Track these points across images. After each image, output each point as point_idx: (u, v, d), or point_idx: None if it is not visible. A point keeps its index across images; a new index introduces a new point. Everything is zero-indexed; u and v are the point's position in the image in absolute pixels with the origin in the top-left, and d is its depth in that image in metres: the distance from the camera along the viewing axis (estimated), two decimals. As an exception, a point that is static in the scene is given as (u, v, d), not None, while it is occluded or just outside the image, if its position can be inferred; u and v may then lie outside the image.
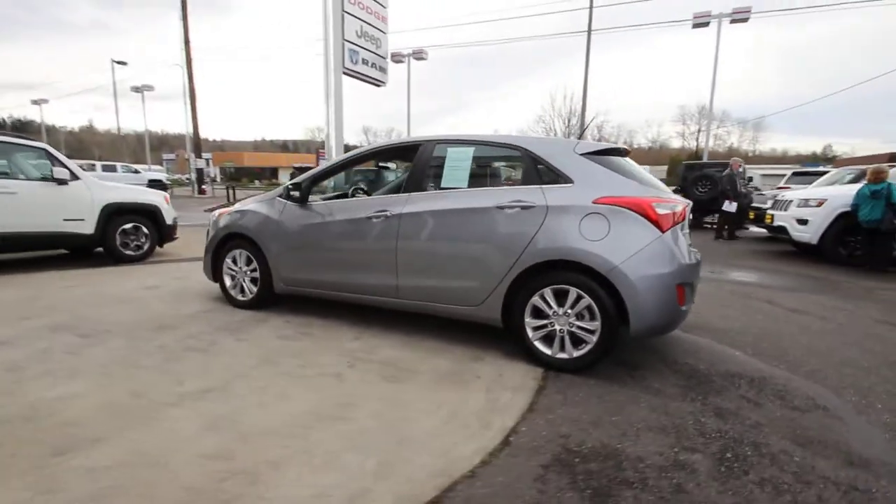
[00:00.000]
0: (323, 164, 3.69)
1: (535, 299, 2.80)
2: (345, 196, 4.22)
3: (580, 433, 2.10)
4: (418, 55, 22.66)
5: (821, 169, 16.57)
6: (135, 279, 5.07)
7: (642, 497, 1.69)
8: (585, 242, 2.65)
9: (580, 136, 23.49)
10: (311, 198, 3.68)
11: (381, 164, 6.39)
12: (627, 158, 3.08)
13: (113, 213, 6.13)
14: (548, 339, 2.83)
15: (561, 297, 2.75)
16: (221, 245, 3.99)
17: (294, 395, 2.37)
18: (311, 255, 3.54)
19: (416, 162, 3.27)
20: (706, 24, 18.17)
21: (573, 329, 2.74)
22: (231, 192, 19.39)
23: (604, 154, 2.92)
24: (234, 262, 3.95)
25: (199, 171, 28.07)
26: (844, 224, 7.08)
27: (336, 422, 2.11)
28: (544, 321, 2.81)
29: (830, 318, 4.21)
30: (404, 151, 3.61)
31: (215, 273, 4.07)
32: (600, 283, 2.64)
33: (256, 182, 47.43)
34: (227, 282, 4.01)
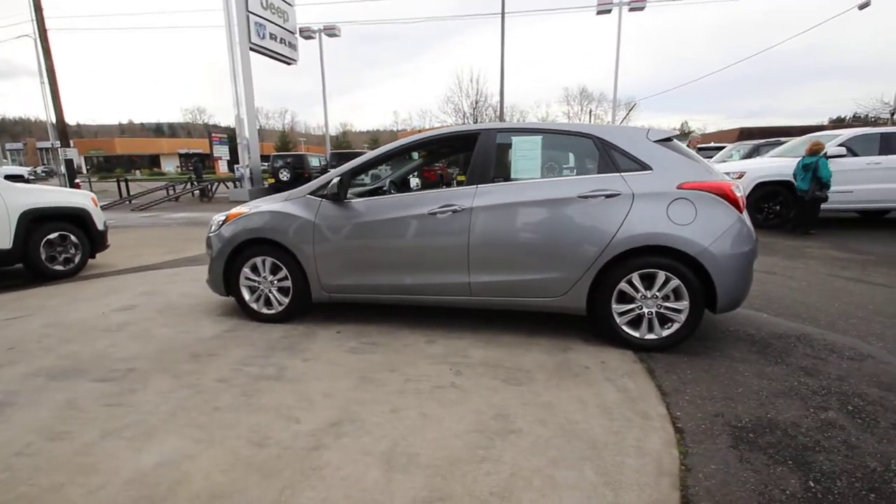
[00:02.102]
0: (363, 157, 3.34)
1: (623, 285, 2.86)
2: (378, 192, 3.88)
3: (728, 410, 2.22)
4: (330, 31, 21.27)
5: (712, 145, 19.01)
6: (91, 301, 4.22)
7: (832, 458, 1.85)
8: (675, 227, 2.75)
9: (500, 118, 24.10)
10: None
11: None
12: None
13: (33, 222, 5.00)
14: (633, 323, 2.92)
15: (648, 280, 2.84)
16: (235, 253, 3.46)
17: (435, 414, 2.17)
18: (362, 258, 3.23)
19: (479, 152, 3.11)
20: (609, 11, 19.55)
21: (661, 310, 2.86)
22: (124, 185, 16.81)
23: (669, 140, 3.03)
24: (256, 271, 3.45)
25: (70, 163, 23.79)
26: (761, 192, 8.23)
27: (509, 436, 1.99)
28: (631, 305, 2.89)
29: (795, 276, 4.89)
30: (461, 141, 3.41)
31: (228, 286, 3.54)
32: (688, 265, 2.78)
33: (137, 172, 41.63)
34: (246, 295, 3.50)
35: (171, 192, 17.07)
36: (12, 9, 26.46)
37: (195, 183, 18.36)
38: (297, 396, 2.34)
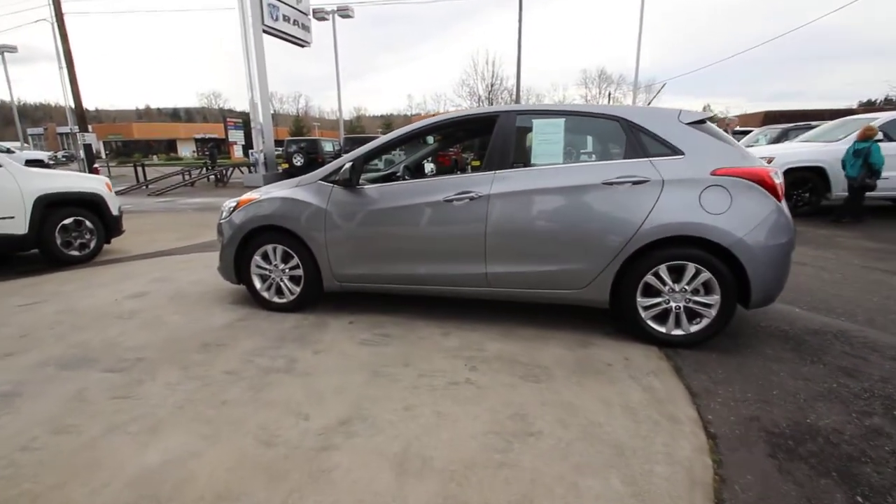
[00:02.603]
0: (376, 142, 3.20)
1: (649, 277, 2.71)
2: (391, 178, 3.75)
3: (764, 414, 2.08)
4: (343, 12, 20.92)
5: (737, 129, 18.31)
6: (106, 287, 4.21)
7: (881, 470, 1.70)
8: (708, 216, 2.57)
9: (516, 101, 23.63)
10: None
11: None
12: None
13: (49, 207, 5.00)
14: (659, 317, 2.77)
15: (676, 272, 2.68)
16: (246, 241, 3.38)
17: (449, 412, 2.07)
18: (374, 247, 3.12)
19: (497, 135, 2.95)
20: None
21: (689, 305, 2.70)
22: (141, 170, 16.95)
23: (702, 122, 2.82)
24: (267, 259, 3.37)
25: (88, 148, 24.09)
26: (790, 179, 7.87)
27: (528, 438, 1.88)
28: (657, 299, 2.74)
29: (827, 267, 4.65)
30: (478, 124, 3.26)
31: (240, 274, 3.47)
32: (720, 257, 2.60)
33: (154, 157, 42.13)
34: (258, 283, 3.43)
35: (186, 177, 17.15)
36: (30, -7, 26.58)
37: (210, 168, 18.43)
38: (307, 391, 2.26)
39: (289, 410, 2.09)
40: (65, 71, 25.01)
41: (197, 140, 50.78)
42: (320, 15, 20.73)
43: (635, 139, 2.76)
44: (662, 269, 2.68)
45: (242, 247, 3.40)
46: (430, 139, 4.30)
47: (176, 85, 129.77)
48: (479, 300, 3.34)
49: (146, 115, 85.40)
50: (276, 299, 3.43)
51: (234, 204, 3.48)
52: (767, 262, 2.58)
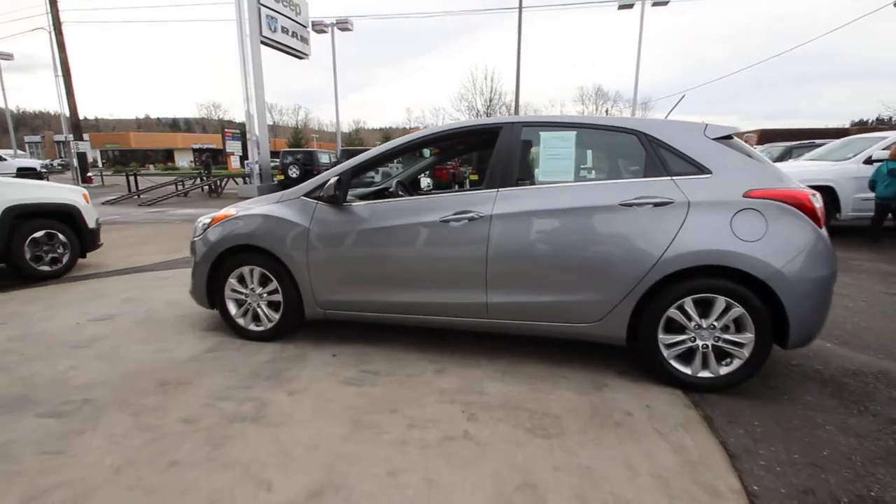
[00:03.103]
0: (366, 154, 2.89)
1: (672, 311, 2.38)
2: (382, 194, 3.44)
3: (819, 484, 1.73)
4: (343, 25, 20.86)
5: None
6: (70, 307, 3.85)
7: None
8: (741, 243, 2.26)
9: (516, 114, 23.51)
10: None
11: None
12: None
13: (19, 218, 4.66)
14: (684, 357, 2.44)
15: (704, 306, 2.36)
16: (220, 261, 3.04)
17: (443, 479, 1.72)
18: (362, 271, 2.79)
19: (500, 150, 2.64)
20: (631, 6, 18.82)
21: (719, 343, 2.37)
22: (133, 180, 16.63)
23: (730, 137, 2.53)
24: (242, 282, 3.04)
25: (82, 156, 23.85)
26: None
27: (539, 520, 1.53)
28: (682, 336, 2.41)
29: (849, 294, 4.33)
30: (479, 136, 2.96)
31: (212, 297, 3.12)
32: (755, 290, 2.29)
33: (151, 167, 41.90)
34: (232, 308, 3.09)
35: (180, 187, 16.85)
36: (29, 1, 26.53)
37: (205, 178, 18.15)
38: (275, 448, 1.91)
39: (249, 475, 1.73)
40: (61, 79, 25.00)
41: (194, 150, 50.64)
42: (319, 27, 20.66)
43: (656, 155, 2.46)
44: (688, 303, 2.36)
45: (216, 268, 3.06)
46: (427, 152, 3.97)
47: (176, 96, 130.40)
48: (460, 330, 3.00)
49: (145, 124, 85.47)
50: (252, 327, 3.08)
51: (208, 220, 3.15)
52: (808, 297, 2.26)
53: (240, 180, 18.12)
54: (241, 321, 3.09)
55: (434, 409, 2.22)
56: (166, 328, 3.35)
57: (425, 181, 11.88)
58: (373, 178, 12.88)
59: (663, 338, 2.43)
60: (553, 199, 2.50)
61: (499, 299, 2.59)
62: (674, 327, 2.42)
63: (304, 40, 18.40)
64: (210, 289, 3.10)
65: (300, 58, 18.28)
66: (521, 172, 2.64)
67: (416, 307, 2.75)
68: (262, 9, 16.36)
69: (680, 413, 2.22)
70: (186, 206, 13.37)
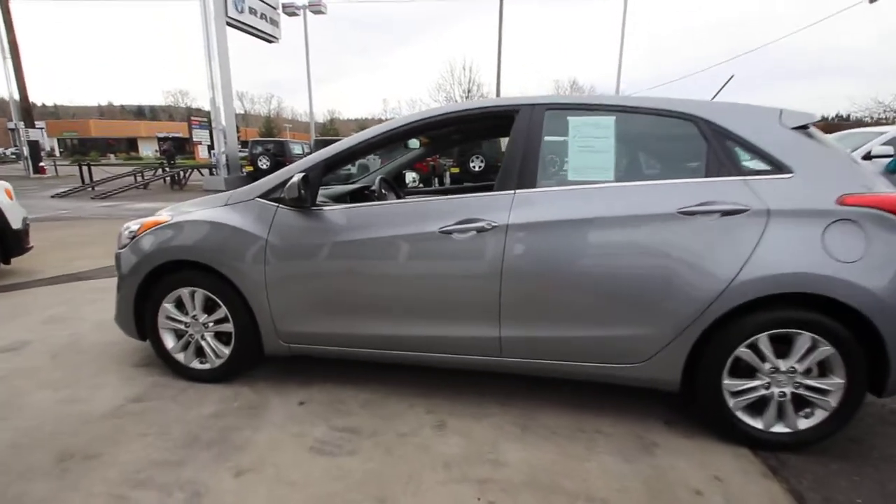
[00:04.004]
0: (342, 143, 2.24)
1: (742, 350, 1.84)
2: (362, 194, 2.79)
3: None
4: (315, 8, 19.76)
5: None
6: (-28, 332, 3.09)
7: None
8: (836, 265, 1.72)
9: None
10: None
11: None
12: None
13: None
14: (754, 407, 1.91)
15: (781, 343, 1.83)
16: (152, 280, 2.36)
17: None
18: (339, 296, 2.16)
19: (518, 138, 2.04)
20: (613, -7, 18.42)
21: (799, 391, 1.85)
22: (86, 170, 15.35)
23: (808, 126, 1.98)
24: (182, 308, 2.36)
25: (34, 144, 22.12)
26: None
27: None
28: (752, 382, 1.87)
29: None
30: (487, 121, 2.34)
31: (141, 326, 2.44)
32: (850, 324, 1.77)
33: (112, 156, 39.68)
34: (169, 341, 2.41)
35: (139, 178, 15.67)
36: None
37: (166, 169, 16.98)
38: (207, 582, 1.28)
39: None
40: (10, 61, 23.11)
41: (159, 139, 48.27)
42: (290, 10, 19.55)
43: (721, 149, 1.90)
44: (763, 340, 1.82)
45: (146, 289, 2.37)
46: (416, 142, 3.31)
47: (142, 82, 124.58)
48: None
49: (108, 112, 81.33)
50: (196, 364, 2.41)
51: (136, 227, 2.45)
52: (919, 333, 1.75)
53: (206, 171, 17.01)
54: (180, 357, 2.41)
55: (438, 496, 1.62)
56: (87, 363, 2.64)
57: (410, 175, 10.83)
58: (349, 171, 12.10)
59: (729, 383, 1.89)
60: (588, 204, 1.92)
61: (515, 333, 2.01)
62: (742, 370, 1.88)
63: (274, 23, 17.31)
64: (139, 315, 2.41)
65: (269, 41, 17.20)
66: (546, 169, 2.04)
67: (406, 342, 2.14)
68: (228, -14, 15.23)
69: (759, 486, 1.69)
70: (145, 200, 12.31)
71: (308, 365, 2.55)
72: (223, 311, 2.29)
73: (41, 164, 22.20)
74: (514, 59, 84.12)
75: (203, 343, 2.37)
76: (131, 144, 49.04)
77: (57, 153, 42.84)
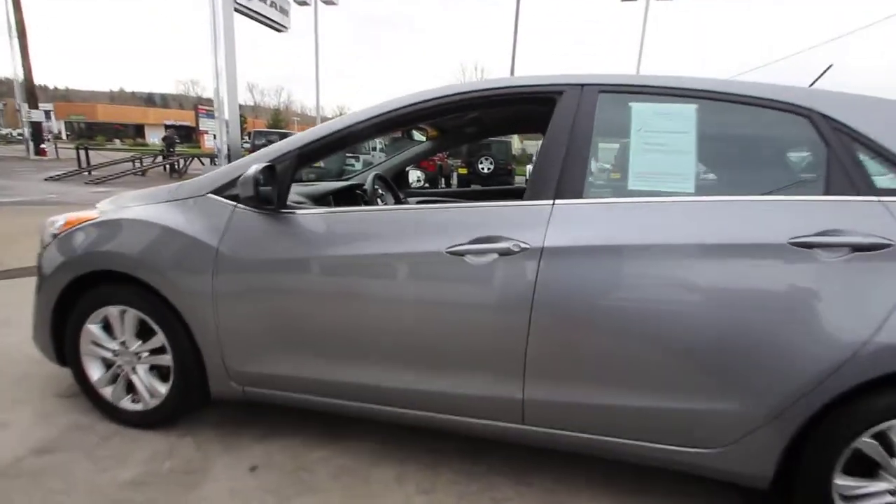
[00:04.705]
0: (325, 126, 1.69)
1: (865, 441, 1.30)
2: (350, 194, 2.26)
3: None
4: (327, -1, 19.29)
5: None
6: None
7: None
8: None
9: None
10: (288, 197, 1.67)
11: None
12: None
13: None
14: (874, 517, 1.37)
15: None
16: (73, 293, 1.83)
17: None
18: (311, 328, 1.63)
19: (557, 130, 1.49)
20: (635, -1, 17.80)
21: (944, 501, 1.30)
22: (84, 154, 14.92)
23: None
24: (109, 331, 1.83)
25: (36, 126, 21.73)
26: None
27: None
28: (878, 484, 1.33)
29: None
30: (517, 105, 1.79)
31: (60, 349, 1.91)
32: None
33: (117, 142, 39.39)
34: (94, 371, 1.88)
35: (137, 164, 15.22)
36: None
37: (167, 156, 16.53)
38: None
39: None
40: (17, 42, 22.84)
41: (166, 126, 48.05)
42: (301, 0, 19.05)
43: (847, 156, 1.35)
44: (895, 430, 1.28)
45: (67, 302, 1.84)
46: (419, 134, 2.74)
47: (155, 70, 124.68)
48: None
49: (119, 97, 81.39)
50: (126, 404, 1.88)
51: (61, 221, 1.92)
52: None
53: (207, 160, 16.55)
54: (107, 392, 1.88)
55: None
56: (1, 389, 2.11)
57: (415, 174, 9.85)
58: (352, 165, 11.47)
59: (843, 483, 1.34)
60: (656, 225, 1.38)
61: (545, 396, 1.47)
62: (860, 466, 1.34)
63: (284, 11, 16.80)
64: (59, 335, 1.89)
65: (279, 30, 16.69)
66: (597, 173, 1.51)
67: (397, 396, 1.60)
68: (238, -28, 14.78)
69: None
70: (140, 187, 11.77)
71: (272, 408, 2.01)
72: (160, 338, 1.76)
73: (42, 145, 21.80)
74: (532, 61, 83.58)
75: (134, 377, 1.84)
76: (138, 131, 48.78)
77: (64, 136, 42.63)
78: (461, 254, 1.44)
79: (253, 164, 1.52)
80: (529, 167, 15.66)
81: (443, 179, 15.27)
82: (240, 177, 1.54)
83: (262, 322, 1.64)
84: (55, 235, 1.89)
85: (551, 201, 1.44)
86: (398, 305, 1.53)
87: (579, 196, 1.44)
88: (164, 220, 1.69)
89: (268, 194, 1.55)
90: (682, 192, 1.41)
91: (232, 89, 14.86)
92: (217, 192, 1.69)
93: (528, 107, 1.67)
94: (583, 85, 1.51)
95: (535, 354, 1.43)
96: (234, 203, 1.65)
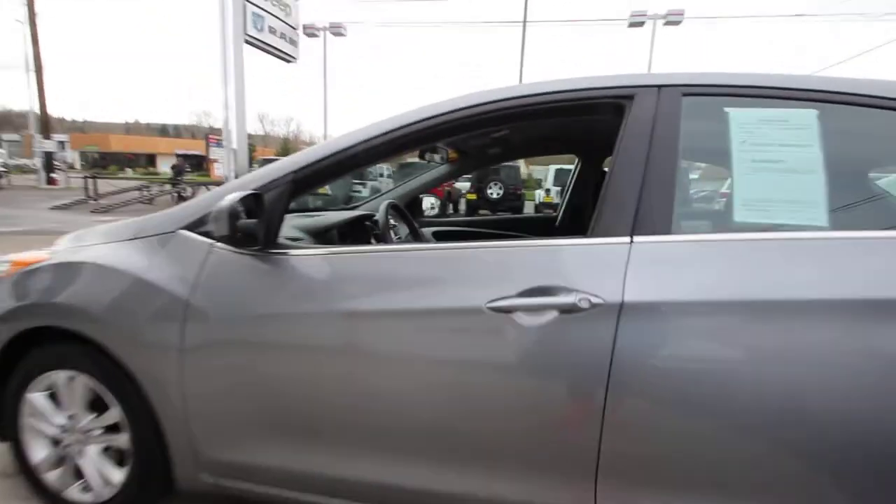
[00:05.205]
0: (328, 144, 1.34)
1: None
2: (360, 229, 1.90)
3: None
4: (336, 30, 19.56)
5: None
6: None
7: None
8: None
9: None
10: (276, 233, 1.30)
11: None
12: None
13: None
14: None
15: None
16: (16, 352, 1.47)
17: None
18: (305, 408, 1.24)
19: (629, 144, 1.13)
20: (641, 24, 17.85)
21: None
22: (91, 183, 14.89)
23: None
24: (56, 400, 1.46)
25: (48, 155, 22.00)
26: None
27: None
28: None
29: None
30: (574, 113, 1.43)
31: (3, 420, 1.53)
32: None
33: (129, 171, 39.96)
34: (37, 452, 1.49)
35: (145, 193, 15.16)
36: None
37: (172, 185, 16.51)
38: None
39: None
40: (34, 74, 23.49)
41: (177, 155, 48.87)
42: (311, 31, 19.34)
43: None
44: None
45: (5, 365, 1.48)
46: (439, 155, 2.39)
47: (170, 102, 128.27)
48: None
49: (134, 129, 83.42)
50: (72, 493, 1.48)
51: (6, 264, 1.57)
52: None
53: (214, 188, 16.49)
54: (52, 478, 1.49)
55: None
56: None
57: (428, 201, 8.81)
58: (359, 192, 11.14)
59: None
60: (780, 271, 0.99)
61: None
62: None
63: (293, 42, 17.01)
64: (-2, 405, 1.52)
65: (288, 61, 16.86)
66: (686, 201, 1.14)
67: (420, 500, 1.20)
68: (248, 5, 15.00)
69: None
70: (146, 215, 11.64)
71: None
72: (116, 412, 1.38)
73: (52, 174, 22.01)
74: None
75: (84, 461, 1.45)
76: (150, 160, 49.63)
77: (78, 165, 43.44)
78: (508, 310, 1.06)
79: (232, 192, 1.17)
80: (539, 192, 15.36)
81: (451, 205, 15.01)
82: (212, 213, 1.18)
83: (243, 397, 1.26)
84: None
85: (628, 238, 1.06)
86: (424, 380, 1.15)
87: (666, 231, 1.06)
88: (123, 264, 1.33)
89: (251, 230, 1.19)
90: (811, 224, 1.03)
91: (241, 119, 14.92)
92: (190, 227, 1.33)
93: (593, 112, 1.31)
94: (660, 86, 1.16)
95: (613, 450, 1.03)
96: (211, 242, 1.29)
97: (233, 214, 1.11)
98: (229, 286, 1.27)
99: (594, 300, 1.02)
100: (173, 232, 1.35)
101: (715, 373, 0.98)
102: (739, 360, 0.99)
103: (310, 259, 1.27)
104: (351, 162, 1.32)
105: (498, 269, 1.12)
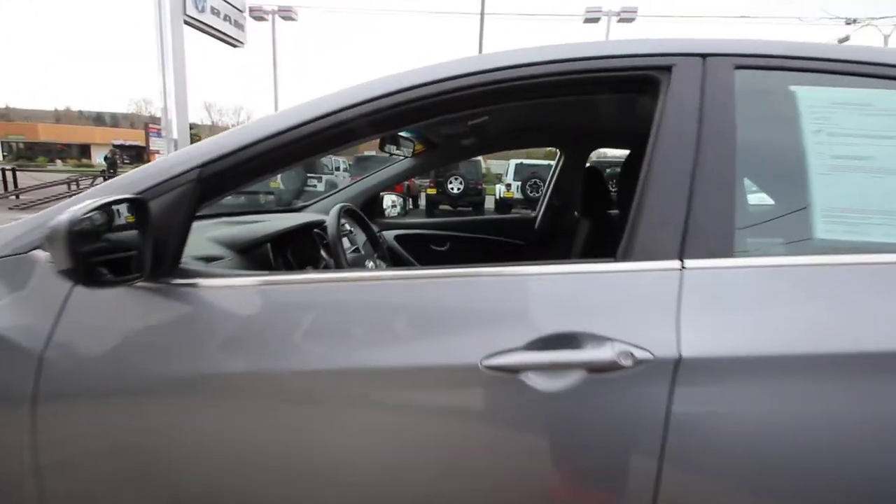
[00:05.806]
0: (255, 126, 0.95)
1: None
2: (309, 239, 1.50)
3: None
4: (286, 14, 18.49)
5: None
6: None
7: None
8: None
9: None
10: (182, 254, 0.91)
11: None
12: None
13: None
14: None
15: None
16: None
17: None
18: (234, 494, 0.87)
19: (666, 134, 0.82)
20: (596, 21, 18.02)
21: None
22: (10, 176, 13.39)
23: None
24: None
25: (-43, 146, 19.65)
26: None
27: None
28: None
29: None
30: (587, 88, 1.07)
31: None
32: None
33: (59, 162, 36.80)
34: None
35: (73, 186, 13.82)
36: None
37: (106, 177, 15.17)
38: None
39: None
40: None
41: (114, 146, 45.51)
42: (258, 14, 18.24)
43: None
44: None
45: None
46: (405, 148, 1.99)
47: (107, 89, 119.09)
48: None
49: (65, 117, 76.97)
50: None
51: None
52: None
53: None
54: None
55: None
56: None
57: (389, 199, 7.92)
58: (314, 186, 10.42)
59: None
60: (890, 309, 0.73)
61: None
62: None
63: (240, 26, 15.95)
64: None
65: (234, 45, 15.84)
66: (747, 208, 0.85)
67: None
68: (187, -17, 13.86)
69: None
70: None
71: None
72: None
73: (-34, 167, 19.78)
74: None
75: None
76: (84, 151, 45.93)
77: (0, 156, 39.62)
78: (513, 370, 0.74)
79: (83, 202, 0.77)
80: (499, 186, 15.11)
81: (410, 200, 14.60)
82: (72, 225, 0.78)
83: (127, 492, 0.87)
84: None
85: (678, 262, 0.76)
86: (396, 471, 0.80)
87: (728, 253, 0.77)
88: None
89: (121, 254, 0.80)
90: (920, 244, 0.77)
91: (182, 107, 13.87)
92: (35, 251, 0.92)
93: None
94: (705, 55, 0.86)
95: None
96: (66, 276, 0.89)
97: (75, 237, 0.72)
98: (106, 332, 0.87)
99: (639, 354, 0.71)
100: (25, 253, 0.93)
101: (823, 455, 0.70)
102: (853, 431, 0.71)
103: (230, 291, 0.89)
104: (286, 151, 0.94)
105: (498, 307, 0.79)
